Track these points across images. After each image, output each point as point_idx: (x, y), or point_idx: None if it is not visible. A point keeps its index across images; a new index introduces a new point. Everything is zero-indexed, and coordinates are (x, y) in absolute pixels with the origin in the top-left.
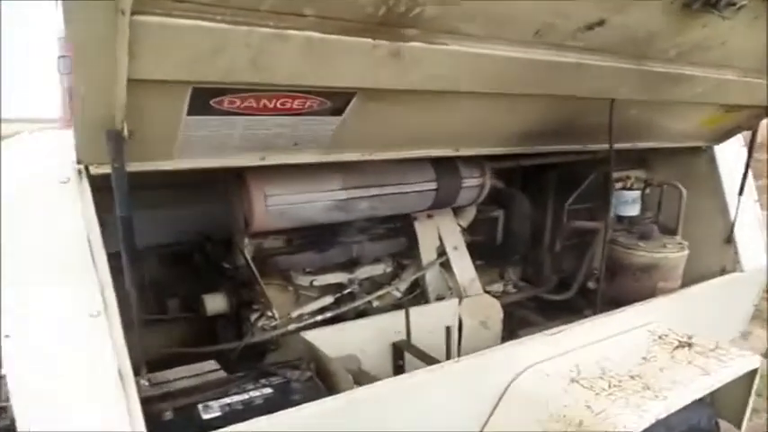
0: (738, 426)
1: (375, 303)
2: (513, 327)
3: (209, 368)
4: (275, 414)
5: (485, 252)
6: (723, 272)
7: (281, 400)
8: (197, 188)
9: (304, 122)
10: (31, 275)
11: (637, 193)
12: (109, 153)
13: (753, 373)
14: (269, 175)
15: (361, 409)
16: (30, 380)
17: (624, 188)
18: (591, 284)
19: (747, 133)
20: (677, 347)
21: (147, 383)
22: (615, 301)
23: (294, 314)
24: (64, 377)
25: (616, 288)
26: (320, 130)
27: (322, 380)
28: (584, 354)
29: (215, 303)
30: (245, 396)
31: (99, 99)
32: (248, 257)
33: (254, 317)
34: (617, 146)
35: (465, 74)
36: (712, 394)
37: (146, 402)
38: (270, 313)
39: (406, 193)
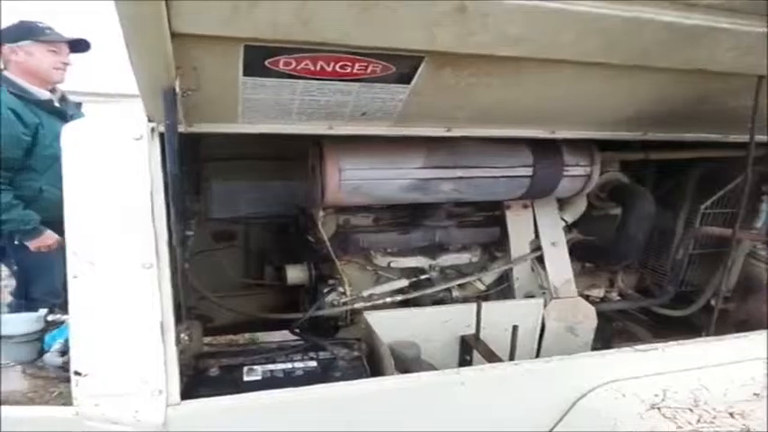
0: None
1: (455, 293)
2: (610, 338)
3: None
4: (304, 387)
5: (596, 253)
6: None
7: (321, 375)
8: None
9: (368, 90)
10: (97, 224)
11: None
12: (164, 111)
13: None
14: (346, 147)
15: (390, 400)
16: (84, 323)
17: None
18: (715, 303)
19: None
20: None
21: (186, 338)
22: (745, 325)
23: (365, 293)
24: (113, 324)
25: (749, 310)
26: (388, 100)
27: (373, 362)
28: (679, 379)
29: (295, 274)
30: (290, 366)
31: (148, 56)
32: (322, 231)
33: (326, 290)
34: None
35: (555, 37)
36: None
37: (199, 357)
38: (341, 289)
39: (497, 177)
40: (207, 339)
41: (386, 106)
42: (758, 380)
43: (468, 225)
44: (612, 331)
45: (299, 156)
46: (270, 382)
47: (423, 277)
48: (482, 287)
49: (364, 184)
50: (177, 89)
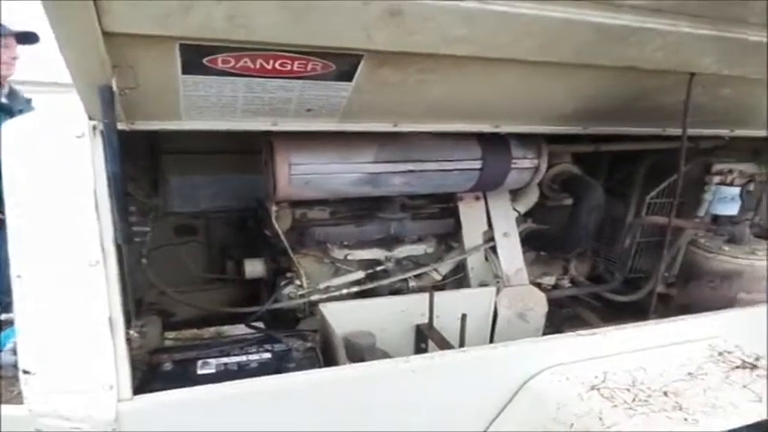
0: None
1: (412, 284)
2: (561, 324)
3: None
4: (254, 379)
5: (549, 242)
6: None
7: (274, 367)
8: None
9: (311, 87)
10: (40, 223)
11: (736, 190)
12: (101, 109)
13: None
14: (296, 142)
15: (341, 389)
16: (30, 322)
17: (723, 183)
18: (661, 288)
19: None
20: (737, 368)
21: (135, 334)
22: (687, 310)
23: (322, 285)
24: (60, 322)
25: (690, 295)
26: (332, 97)
27: (328, 353)
28: (620, 361)
29: (253, 268)
30: (244, 358)
31: (81, 55)
32: (276, 225)
33: (282, 283)
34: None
35: (494, 38)
36: None
37: (153, 353)
38: (298, 282)
39: (446, 170)
40: (172, 334)
41: (330, 103)
42: (694, 360)
43: (423, 217)
44: (563, 317)
45: (259, 149)
46: (224, 375)
47: (379, 269)
48: (438, 277)
49: (315, 179)
50: (114, 87)
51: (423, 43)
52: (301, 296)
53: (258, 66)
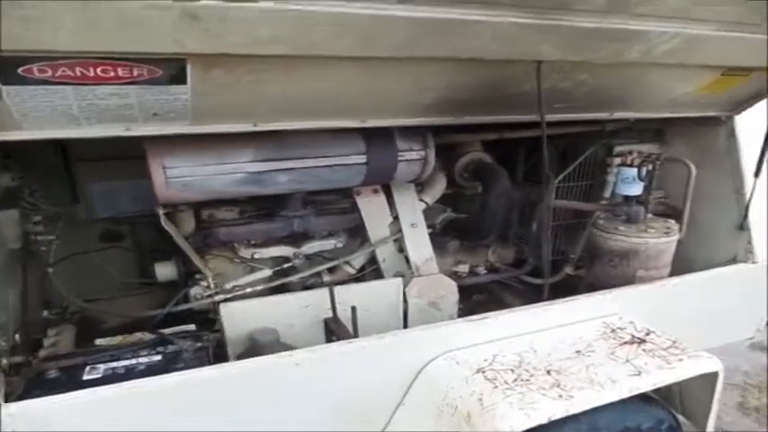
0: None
1: (326, 278)
2: (474, 309)
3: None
4: (130, 381)
5: (466, 230)
6: (734, 262)
7: (162, 368)
8: None
9: (146, 92)
10: None
11: (635, 171)
12: None
13: (713, 376)
14: (170, 146)
15: (224, 386)
16: None
17: (624, 164)
18: (568, 270)
19: None
20: (625, 343)
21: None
22: (593, 289)
23: (228, 285)
24: None
25: (594, 274)
26: (173, 101)
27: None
28: (511, 343)
29: (165, 271)
30: (134, 361)
31: None
32: (168, 227)
33: (190, 285)
34: (577, 116)
35: (307, 36)
36: (680, 396)
37: (42, 360)
38: (204, 283)
39: (332, 166)
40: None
41: (174, 107)
42: (585, 338)
43: (329, 213)
44: (474, 303)
45: None
46: (109, 379)
47: (286, 266)
48: (352, 271)
49: (194, 181)
50: None
51: (234, 44)
52: (208, 296)
53: (79, 73)
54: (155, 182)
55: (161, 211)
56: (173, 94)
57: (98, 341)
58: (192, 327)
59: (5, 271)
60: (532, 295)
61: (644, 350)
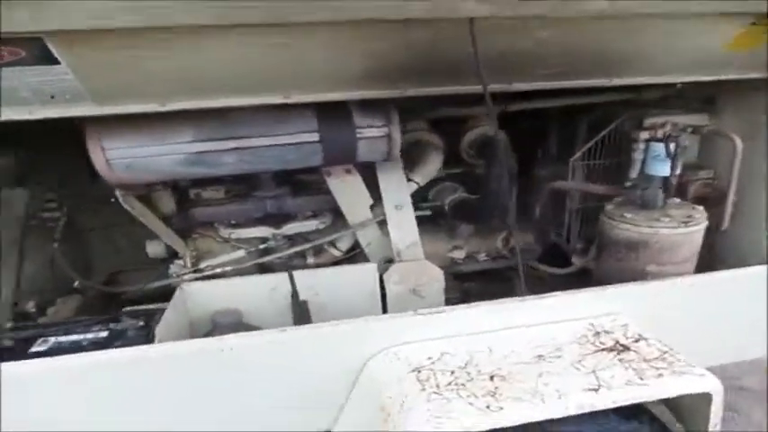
0: None
1: (310, 261)
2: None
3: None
4: (58, 357)
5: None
6: None
7: (104, 345)
8: None
9: (22, 73)
10: None
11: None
12: None
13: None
14: (109, 127)
15: (151, 367)
16: None
17: (652, 139)
18: (575, 261)
19: None
20: (603, 350)
21: None
22: (600, 284)
23: (203, 265)
24: None
25: (602, 269)
26: (59, 81)
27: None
28: (469, 341)
29: (154, 249)
30: (81, 337)
31: None
32: (129, 208)
33: (169, 264)
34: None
35: (159, 7)
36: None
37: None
38: (180, 262)
39: (280, 145)
40: None
41: (65, 88)
42: (558, 341)
43: (307, 193)
44: (464, 291)
45: None
46: (53, 352)
47: (261, 246)
48: (338, 253)
49: (136, 162)
50: None
51: (78, 20)
52: (184, 275)
53: None
54: (95, 163)
55: (118, 192)
56: (55, 75)
57: None
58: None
59: (13, 245)
60: (552, 285)
61: (621, 360)
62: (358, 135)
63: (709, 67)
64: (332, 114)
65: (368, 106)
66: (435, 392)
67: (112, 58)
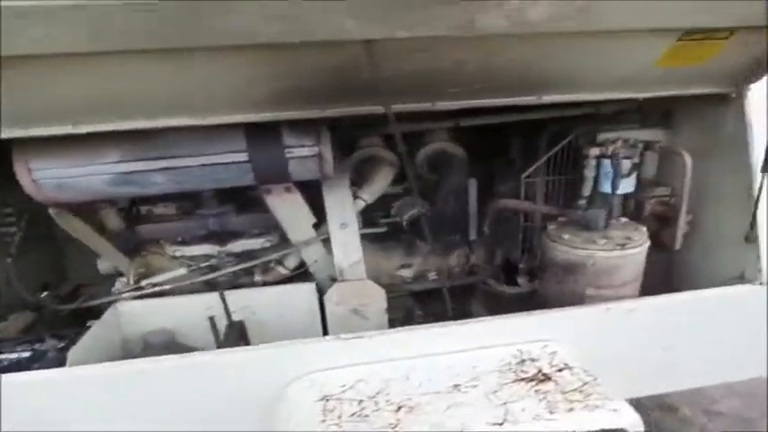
0: None
1: (257, 278)
2: (420, 319)
3: None
4: None
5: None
6: (742, 280)
7: (22, 366)
8: None
9: None
10: None
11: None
12: None
13: None
14: (37, 147)
15: (60, 390)
16: None
17: (603, 156)
18: (520, 281)
19: None
20: (523, 380)
21: None
22: (543, 306)
23: (144, 282)
24: None
25: (544, 289)
26: None
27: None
28: (387, 368)
29: (104, 265)
30: (5, 356)
31: None
32: (63, 226)
33: (114, 282)
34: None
35: (61, 35)
36: None
37: None
38: (124, 280)
39: (210, 165)
40: None
41: None
42: (479, 368)
43: (251, 212)
44: (407, 312)
45: None
46: None
47: (203, 264)
48: (285, 272)
49: (66, 182)
50: None
51: None
52: (125, 293)
53: None
54: (22, 182)
55: (51, 210)
56: None
57: None
58: None
59: None
60: (507, 306)
61: (537, 391)
62: (288, 154)
63: (643, 84)
64: (260, 134)
65: (298, 126)
66: (335, 425)
67: (23, 82)
